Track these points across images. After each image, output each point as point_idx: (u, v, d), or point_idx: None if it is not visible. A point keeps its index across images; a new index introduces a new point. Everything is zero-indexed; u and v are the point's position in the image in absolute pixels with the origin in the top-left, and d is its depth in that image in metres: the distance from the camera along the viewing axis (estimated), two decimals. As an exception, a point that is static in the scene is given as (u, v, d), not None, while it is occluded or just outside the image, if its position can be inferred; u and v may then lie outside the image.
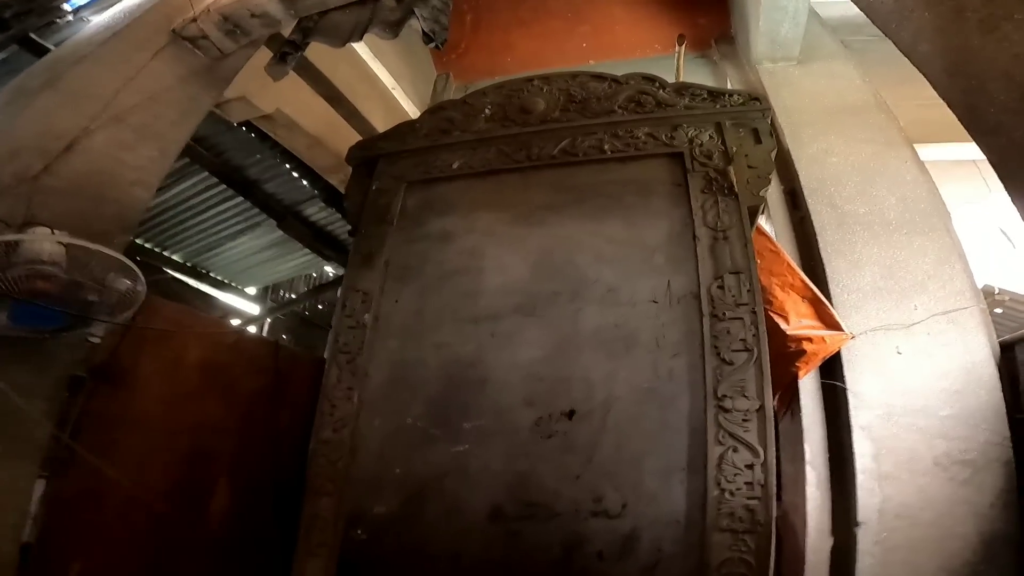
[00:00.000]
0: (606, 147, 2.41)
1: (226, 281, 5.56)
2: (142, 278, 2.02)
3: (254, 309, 6.00)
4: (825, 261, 2.50)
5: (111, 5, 2.94)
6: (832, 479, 2.42)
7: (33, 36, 3.19)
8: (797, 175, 2.76)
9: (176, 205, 4.34)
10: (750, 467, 1.85)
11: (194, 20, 2.45)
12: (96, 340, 2.21)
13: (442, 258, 2.42)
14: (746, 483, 1.84)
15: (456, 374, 2.18)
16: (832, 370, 2.42)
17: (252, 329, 6.02)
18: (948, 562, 2.16)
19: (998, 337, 2.38)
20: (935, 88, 1.52)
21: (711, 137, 2.28)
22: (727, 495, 1.85)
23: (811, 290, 2.39)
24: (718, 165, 2.19)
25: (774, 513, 1.86)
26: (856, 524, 2.23)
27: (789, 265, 2.44)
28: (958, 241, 2.47)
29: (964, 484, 2.19)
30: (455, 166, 2.64)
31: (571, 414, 2.00)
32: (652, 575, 1.88)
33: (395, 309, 2.38)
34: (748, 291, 1.94)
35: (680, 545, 1.87)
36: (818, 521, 2.40)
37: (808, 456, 2.45)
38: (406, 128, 2.92)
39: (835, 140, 2.82)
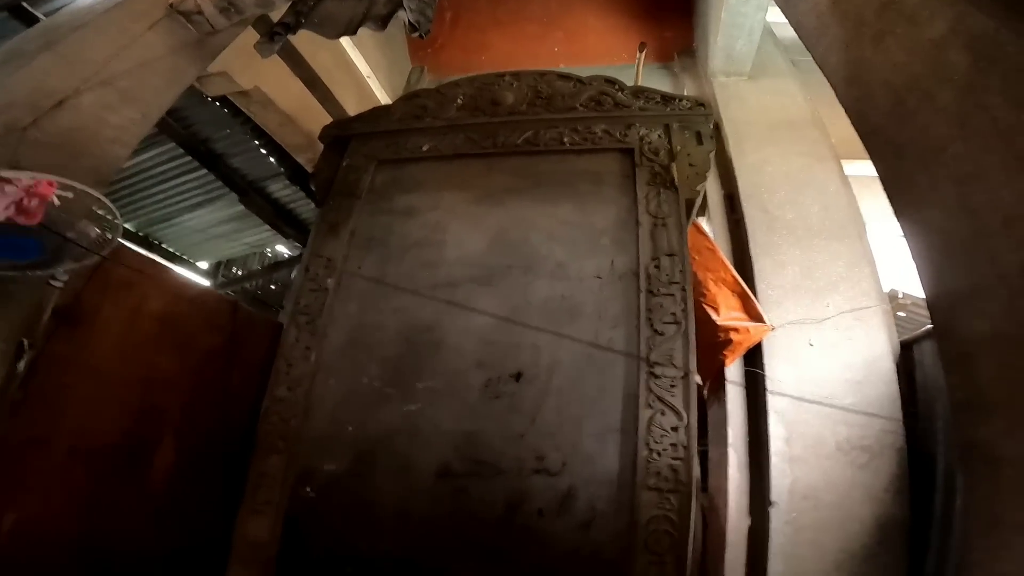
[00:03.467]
0: (566, 140, 2.71)
1: (178, 253, 5.56)
2: (119, 219, 2.12)
3: (204, 283, 5.94)
4: (754, 260, 2.86)
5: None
6: (750, 462, 2.70)
7: (24, 4, 3.25)
8: (736, 181, 3.14)
9: (136, 174, 4.37)
10: (675, 429, 2.11)
11: (192, -6, 2.58)
12: (59, 284, 2.29)
13: (406, 231, 2.64)
14: (671, 444, 2.09)
15: (413, 337, 2.38)
16: (754, 360, 2.75)
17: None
18: (848, 544, 2.42)
19: (900, 338, 2.76)
20: (837, 96, 1.84)
21: (660, 136, 2.61)
22: (655, 455, 2.08)
23: (740, 285, 2.73)
24: (663, 161, 2.52)
25: (695, 473, 2.10)
26: (770, 504, 2.50)
27: (723, 262, 2.78)
28: (869, 249, 2.87)
29: (862, 468, 2.49)
30: (425, 148, 2.88)
31: (518, 376, 2.24)
32: (588, 532, 2.08)
33: (357, 275, 2.56)
34: (680, 271, 2.25)
35: (613, 503, 2.09)
36: (738, 502, 2.68)
37: (731, 439, 2.74)
38: (380, 112, 3.14)
39: (772, 151, 3.23)
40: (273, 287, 6.48)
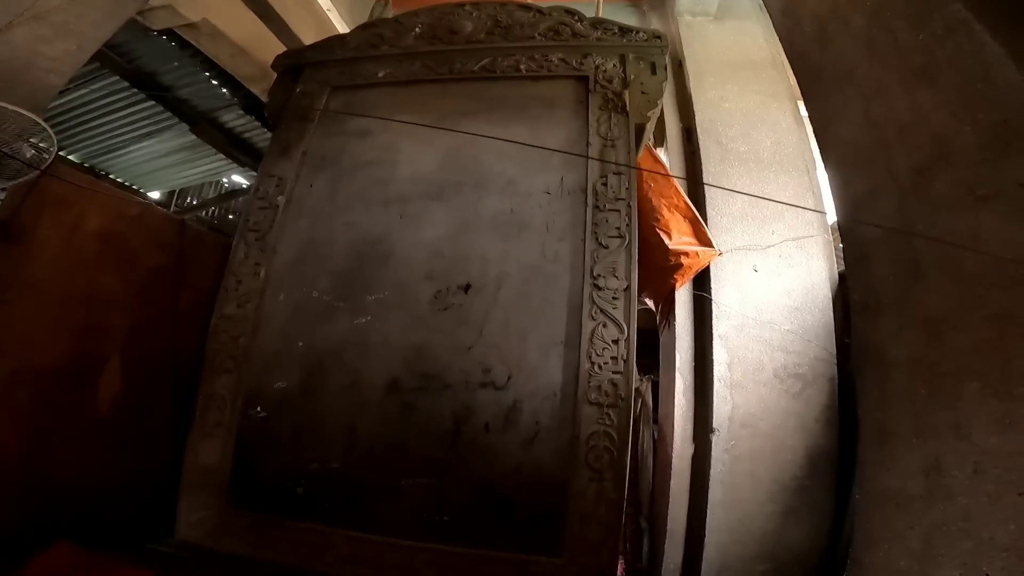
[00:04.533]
0: (522, 67, 2.79)
1: (127, 184, 5.53)
2: (54, 139, 2.13)
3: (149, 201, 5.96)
4: (706, 189, 3.01)
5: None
6: (696, 388, 2.85)
7: None
8: (694, 116, 3.30)
9: (78, 107, 4.30)
10: (616, 342, 2.21)
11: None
12: None
13: (359, 150, 2.71)
14: (612, 357, 2.19)
15: (363, 250, 2.46)
16: (703, 285, 2.92)
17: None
18: (780, 474, 2.57)
19: (840, 269, 2.94)
20: (775, 27, 2.06)
21: (615, 66, 2.71)
22: (596, 368, 2.18)
23: (692, 211, 2.89)
24: (616, 88, 2.63)
25: (633, 389, 2.20)
26: (712, 431, 2.64)
27: (676, 189, 2.93)
28: (816, 182, 3.06)
29: (795, 397, 2.64)
30: (380, 75, 2.92)
31: (467, 288, 2.34)
32: (531, 447, 2.16)
33: (309, 193, 2.63)
34: (626, 188, 2.37)
35: (556, 418, 2.17)
36: (683, 428, 2.82)
37: (678, 363, 2.89)
38: (335, 41, 3.15)
39: (731, 89, 3.40)
40: (230, 216, 6.51)
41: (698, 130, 3.23)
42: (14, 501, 2.27)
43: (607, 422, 2.13)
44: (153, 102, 4.31)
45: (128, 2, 2.74)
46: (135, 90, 4.19)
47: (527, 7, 3.00)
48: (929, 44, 1.28)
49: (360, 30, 3.17)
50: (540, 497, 2.10)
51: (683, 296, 2.96)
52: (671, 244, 2.80)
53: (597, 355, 2.21)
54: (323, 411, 2.33)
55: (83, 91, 4.20)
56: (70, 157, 4.80)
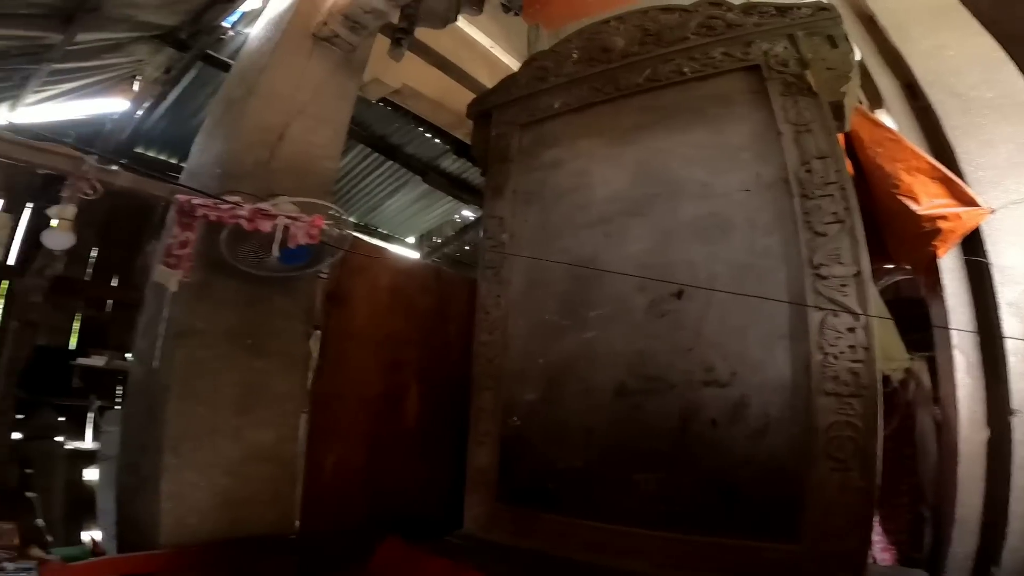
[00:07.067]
0: (685, 69, 2.90)
1: (390, 233, 7.32)
2: (350, 223, 3.04)
3: (413, 255, 7.78)
4: (953, 144, 2.76)
5: (256, 16, 3.98)
6: (984, 365, 2.65)
7: (210, 52, 4.56)
8: (912, 70, 3.05)
9: (344, 176, 5.91)
10: (852, 330, 2.24)
11: (324, 23, 3.35)
12: (325, 276, 3.35)
13: (556, 181, 3.20)
14: (849, 346, 2.23)
15: (578, 272, 2.91)
16: (973, 247, 2.68)
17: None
18: None
19: None
20: None
21: (785, 48, 2.64)
22: (831, 359, 2.24)
23: (940, 170, 2.66)
24: (794, 70, 2.57)
25: (879, 376, 2.20)
26: (1011, 413, 2.47)
27: (912, 150, 2.73)
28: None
29: None
30: (556, 106, 3.34)
31: (679, 294, 2.63)
32: (762, 439, 2.35)
33: (524, 226, 3.23)
34: (836, 171, 2.35)
35: (787, 410, 2.32)
36: (970, 410, 2.66)
37: (955, 339, 2.70)
38: (509, 81, 3.66)
39: (949, 35, 3.03)
40: (467, 248, 7.95)
41: (922, 84, 2.96)
42: (363, 501, 3.19)
43: (849, 412, 2.20)
44: (391, 162, 5.67)
45: (349, 83, 3.56)
46: (376, 154, 5.57)
47: (669, 9, 3.05)
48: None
49: (526, 66, 3.62)
50: (772, 486, 2.28)
51: (949, 263, 2.75)
52: (920, 209, 2.63)
53: (830, 345, 2.27)
54: (563, 417, 2.86)
55: (343, 161, 5.73)
56: (350, 219, 6.61)
